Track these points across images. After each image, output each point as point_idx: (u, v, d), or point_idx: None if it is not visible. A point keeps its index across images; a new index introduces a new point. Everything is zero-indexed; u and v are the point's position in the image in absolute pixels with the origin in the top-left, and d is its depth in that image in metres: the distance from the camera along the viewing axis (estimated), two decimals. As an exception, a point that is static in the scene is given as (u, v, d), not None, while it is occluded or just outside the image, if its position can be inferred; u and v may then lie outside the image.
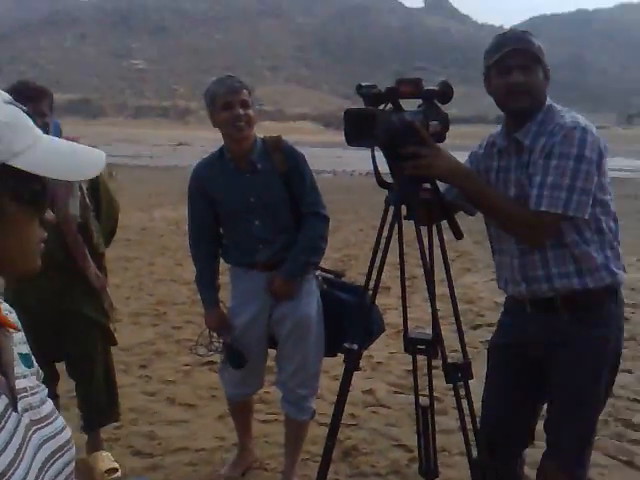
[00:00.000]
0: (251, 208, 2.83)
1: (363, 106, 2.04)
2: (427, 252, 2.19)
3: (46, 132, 2.61)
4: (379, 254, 2.21)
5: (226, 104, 2.75)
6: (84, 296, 2.98)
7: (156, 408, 3.95)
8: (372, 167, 2.16)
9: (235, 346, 2.90)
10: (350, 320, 2.86)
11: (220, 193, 2.86)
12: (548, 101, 2.20)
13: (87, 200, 2.94)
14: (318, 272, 3.03)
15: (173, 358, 4.82)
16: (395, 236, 2.19)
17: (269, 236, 2.85)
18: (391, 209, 2.18)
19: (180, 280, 7.08)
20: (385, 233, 2.18)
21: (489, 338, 2.59)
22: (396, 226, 2.19)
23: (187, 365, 4.61)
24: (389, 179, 2.20)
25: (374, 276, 2.24)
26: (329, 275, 3.10)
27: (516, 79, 2.11)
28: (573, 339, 2.17)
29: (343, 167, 25.15)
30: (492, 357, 2.47)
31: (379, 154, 2.15)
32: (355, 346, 2.30)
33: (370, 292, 2.31)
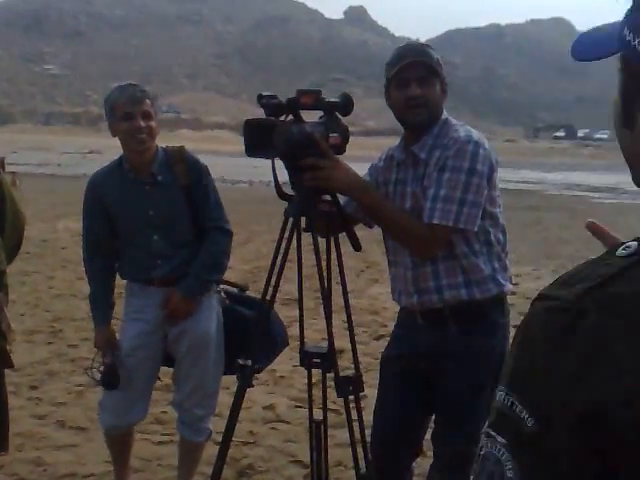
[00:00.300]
0: (150, 222, 2.74)
1: (264, 117, 2.03)
2: (325, 264, 2.22)
3: None
4: (277, 266, 2.22)
5: (126, 114, 2.64)
6: None
7: (45, 432, 3.78)
8: (273, 177, 2.17)
9: (114, 366, 2.77)
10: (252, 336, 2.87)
11: (117, 205, 2.76)
12: (444, 115, 2.25)
13: None
14: (221, 287, 2.96)
15: (66, 378, 4.63)
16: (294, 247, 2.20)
17: (168, 251, 2.77)
18: (290, 221, 2.20)
19: (80, 295, 6.81)
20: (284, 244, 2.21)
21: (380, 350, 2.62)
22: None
23: (80, 385, 4.43)
24: (290, 190, 2.20)
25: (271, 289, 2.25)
26: (232, 289, 3.03)
27: (414, 92, 2.15)
28: (460, 350, 2.23)
29: (260, 177, 25.07)
30: (383, 369, 2.49)
31: (280, 165, 2.15)
32: (249, 362, 2.28)
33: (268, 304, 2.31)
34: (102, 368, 2.81)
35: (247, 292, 3.10)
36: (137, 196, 2.75)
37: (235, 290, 3.04)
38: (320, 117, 2.21)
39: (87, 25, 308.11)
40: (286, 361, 4.98)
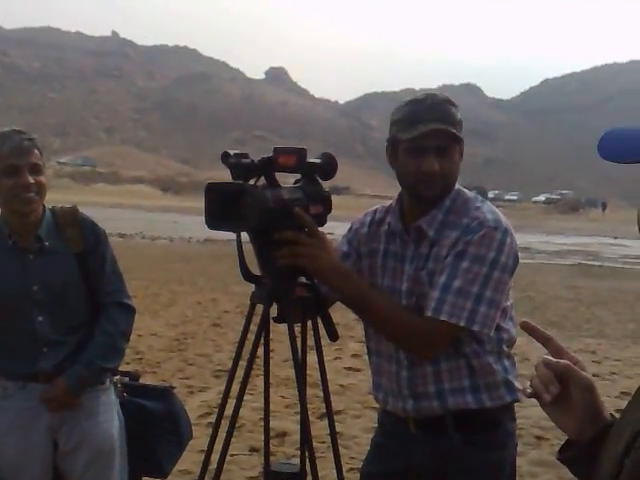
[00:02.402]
0: (33, 299, 2.22)
1: (229, 180, 1.66)
2: (300, 355, 1.85)
3: None
4: (241, 363, 1.86)
5: (10, 168, 2.15)
6: None
7: None
8: (237, 255, 1.77)
9: None
10: (159, 434, 2.41)
11: None
12: (457, 185, 1.89)
13: None
14: (117, 377, 2.46)
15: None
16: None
17: (57, 336, 2.25)
18: (258, 307, 1.83)
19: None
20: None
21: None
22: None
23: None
24: (257, 271, 1.82)
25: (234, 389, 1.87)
26: (125, 379, 2.53)
27: (431, 167, 1.78)
28: (466, 465, 1.83)
29: (180, 233, 24.46)
30: None
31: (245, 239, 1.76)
32: None
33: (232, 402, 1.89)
34: None
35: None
36: (18, 267, 2.25)
37: (127, 380, 2.55)
38: (296, 181, 1.83)
39: (2, 77, 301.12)
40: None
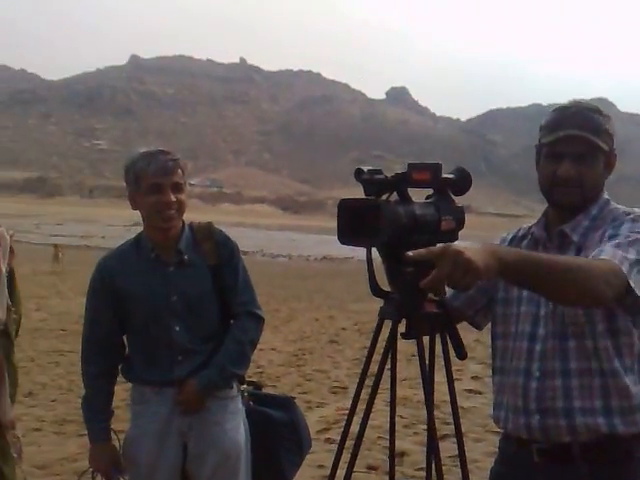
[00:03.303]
0: (172, 309, 2.31)
1: (361, 195, 1.67)
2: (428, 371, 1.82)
3: None
4: (369, 377, 1.83)
5: (155, 187, 2.25)
6: None
7: None
8: (368, 270, 1.75)
9: None
10: (282, 442, 2.44)
11: (133, 290, 2.33)
12: (606, 195, 1.81)
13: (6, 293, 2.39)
14: (244, 386, 2.51)
15: (96, 480, 4.14)
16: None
17: (192, 345, 2.33)
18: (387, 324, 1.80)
19: (120, 379, 6.48)
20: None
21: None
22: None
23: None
24: (386, 286, 1.81)
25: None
26: (249, 388, 2.58)
27: (566, 172, 1.74)
28: None
29: (299, 251, 24.91)
30: None
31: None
32: None
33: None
34: None
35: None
36: (159, 279, 2.34)
37: (252, 389, 2.60)
38: (428, 196, 1.81)
39: (138, 103, 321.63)
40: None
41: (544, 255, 1.66)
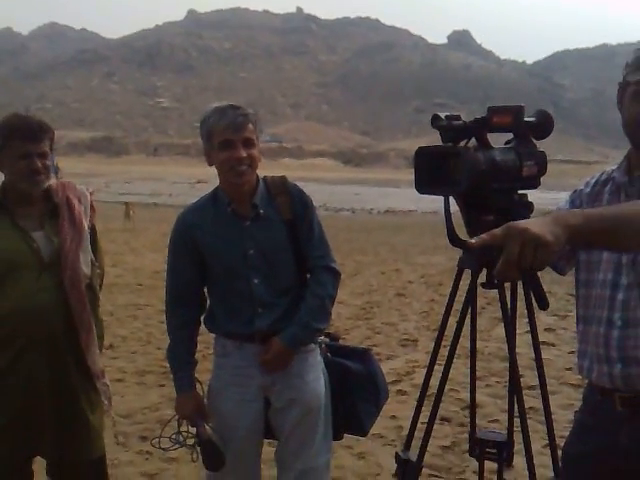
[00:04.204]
0: (250, 263, 2.36)
1: (438, 143, 1.65)
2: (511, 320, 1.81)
3: (47, 176, 2.14)
4: (449, 325, 1.82)
5: (226, 142, 2.28)
6: (83, 383, 2.47)
7: (155, 497, 3.47)
8: (445, 219, 1.72)
9: (213, 441, 2.35)
10: (360, 393, 2.49)
11: (213, 244, 2.39)
12: None
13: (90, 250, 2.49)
14: (321, 338, 2.56)
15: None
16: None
17: (271, 298, 2.38)
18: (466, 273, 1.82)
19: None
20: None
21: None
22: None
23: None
24: (465, 235, 1.77)
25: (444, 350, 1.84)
26: (327, 339, 2.63)
27: None
28: None
29: (362, 205, 24.80)
30: (569, 472, 1.94)
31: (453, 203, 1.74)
32: (414, 456, 1.86)
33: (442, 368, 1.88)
34: (192, 442, 2.41)
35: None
36: (236, 233, 2.38)
37: (328, 340, 2.65)
38: (507, 142, 1.76)
39: (197, 59, 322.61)
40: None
41: (611, 208, 1.59)
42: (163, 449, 2.54)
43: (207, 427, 2.38)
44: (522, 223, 1.35)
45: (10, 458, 2.41)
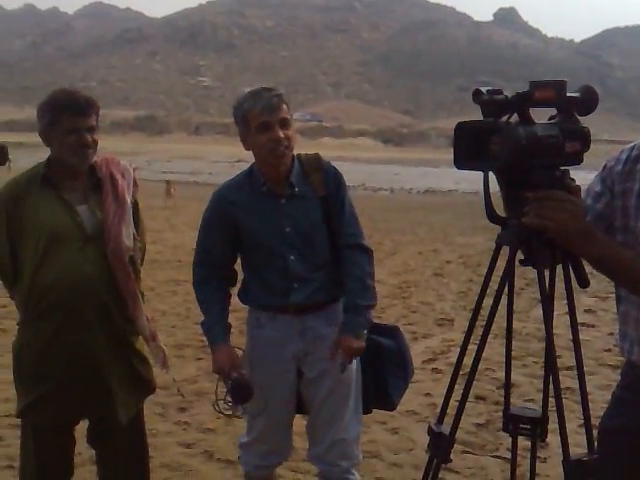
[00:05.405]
0: (286, 240, 2.39)
1: (478, 118, 1.61)
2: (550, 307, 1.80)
3: (94, 150, 2.17)
4: (485, 304, 1.82)
5: (263, 125, 2.30)
6: (132, 351, 2.53)
7: (192, 464, 3.54)
8: (483, 194, 1.68)
9: (243, 379, 2.35)
10: (390, 368, 2.53)
11: (249, 221, 2.42)
12: None
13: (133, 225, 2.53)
14: None
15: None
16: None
17: (306, 273, 2.41)
18: (505, 250, 1.75)
19: (232, 306, 6.79)
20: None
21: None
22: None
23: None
24: (504, 212, 1.75)
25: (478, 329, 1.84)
26: None
27: None
28: None
29: (401, 184, 24.65)
30: (606, 444, 1.93)
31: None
32: (446, 429, 1.86)
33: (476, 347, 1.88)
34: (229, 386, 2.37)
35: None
36: (272, 211, 2.41)
37: None
38: (550, 117, 1.72)
39: (239, 38, 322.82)
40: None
41: (629, 260, 1.67)
42: (224, 414, 2.49)
43: (237, 372, 2.35)
44: (572, 216, 1.53)
45: (55, 422, 2.49)
